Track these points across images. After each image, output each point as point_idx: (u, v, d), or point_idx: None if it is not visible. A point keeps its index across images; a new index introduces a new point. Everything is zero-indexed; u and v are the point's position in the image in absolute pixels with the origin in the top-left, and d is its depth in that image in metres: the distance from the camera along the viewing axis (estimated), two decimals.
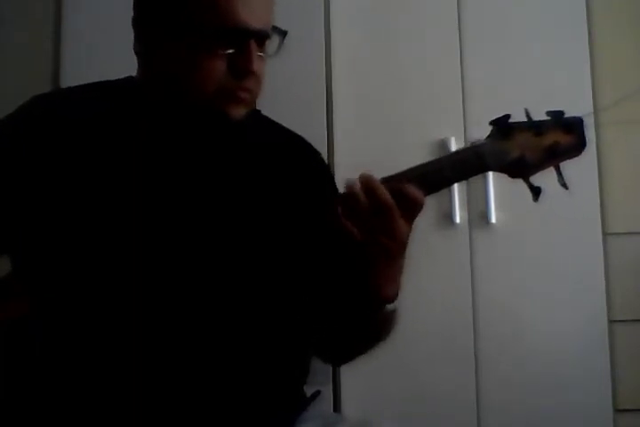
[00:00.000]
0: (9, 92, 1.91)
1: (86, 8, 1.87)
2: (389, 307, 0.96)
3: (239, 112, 0.96)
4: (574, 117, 0.94)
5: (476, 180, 1.82)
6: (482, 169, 0.94)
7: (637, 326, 1.83)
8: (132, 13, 1.02)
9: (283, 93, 1.72)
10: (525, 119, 0.94)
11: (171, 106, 0.99)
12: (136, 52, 1.02)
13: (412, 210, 0.88)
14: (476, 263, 1.85)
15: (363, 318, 0.97)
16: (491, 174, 1.80)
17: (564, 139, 0.93)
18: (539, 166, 0.93)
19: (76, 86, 1.08)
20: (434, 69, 1.90)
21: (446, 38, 1.91)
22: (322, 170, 1.14)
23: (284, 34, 0.99)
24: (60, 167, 0.97)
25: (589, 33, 1.91)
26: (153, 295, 0.94)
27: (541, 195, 0.92)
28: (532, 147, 0.93)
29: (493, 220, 1.84)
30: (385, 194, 0.86)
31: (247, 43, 0.93)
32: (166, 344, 0.95)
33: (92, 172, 0.98)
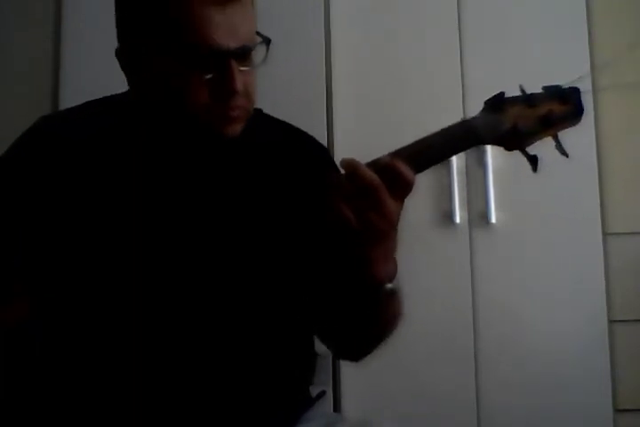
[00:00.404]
0: (9, 91, 1.91)
1: (86, 8, 1.87)
2: (389, 286, 0.93)
3: (235, 129, 0.96)
4: (570, 87, 0.93)
5: (475, 180, 1.85)
6: (475, 142, 0.92)
7: (637, 326, 1.83)
8: None
9: (283, 93, 1.72)
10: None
11: (166, 123, 0.98)
12: (124, 71, 1.00)
13: (402, 189, 0.86)
14: (476, 263, 1.85)
15: (365, 302, 0.95)
16: (490, 174, 1.81)
17: (559, 108, 0.91)
18: (534, 135, 0.91)
19: (77, 106, 1.08)
20: (434, 69, 1.90)
21: (446, 38, 1.92)
22: (326, 164, 1.12)
23: (268, 41, 0.96)
24: (64, 181, 0.98)
25: (589, 33, 1.91)
26: (154, 295, 0.95)
27: (539, 164, 0.89)
28: (525, 116, 0.91)
29: (493, 220, 1.83)
30: (369, 175, 0.85)
31: (227, 63, 0.91)
32: (168, 344, 0.95)
33: (96, 182, 0.98)
